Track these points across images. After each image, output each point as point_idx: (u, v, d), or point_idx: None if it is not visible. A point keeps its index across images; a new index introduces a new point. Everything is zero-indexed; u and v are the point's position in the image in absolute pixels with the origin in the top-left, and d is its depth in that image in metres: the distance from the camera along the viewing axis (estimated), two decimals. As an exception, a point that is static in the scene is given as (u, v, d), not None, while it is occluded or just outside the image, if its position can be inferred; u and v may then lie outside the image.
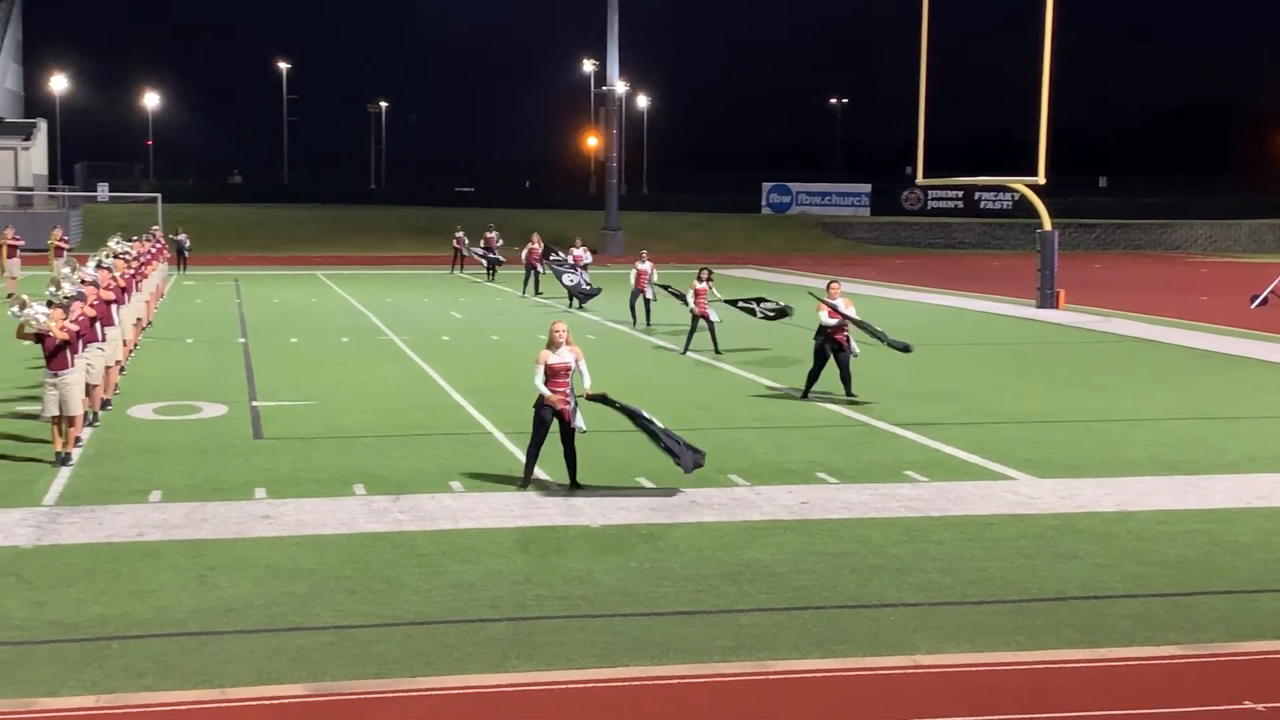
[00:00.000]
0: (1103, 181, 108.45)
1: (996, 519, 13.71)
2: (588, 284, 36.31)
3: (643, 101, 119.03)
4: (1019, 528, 13.38)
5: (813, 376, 21.14)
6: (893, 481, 15.35)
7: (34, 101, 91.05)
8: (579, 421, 14.53)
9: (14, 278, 37.40)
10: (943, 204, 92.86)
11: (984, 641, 10.00)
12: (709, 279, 26.71)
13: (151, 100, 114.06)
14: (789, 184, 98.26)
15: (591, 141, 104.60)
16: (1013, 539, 12.95)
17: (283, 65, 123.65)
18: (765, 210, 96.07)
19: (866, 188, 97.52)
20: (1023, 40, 37.59)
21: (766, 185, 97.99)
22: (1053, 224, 39.79)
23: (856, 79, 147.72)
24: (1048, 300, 38.51)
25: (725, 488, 14.96)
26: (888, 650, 9.78)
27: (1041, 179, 37.90)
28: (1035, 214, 40.98)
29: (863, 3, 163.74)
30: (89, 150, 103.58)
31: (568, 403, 14.46)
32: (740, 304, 27.15)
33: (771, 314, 26.38)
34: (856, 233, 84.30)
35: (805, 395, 21.09)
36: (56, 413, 15.71)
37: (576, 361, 14.55)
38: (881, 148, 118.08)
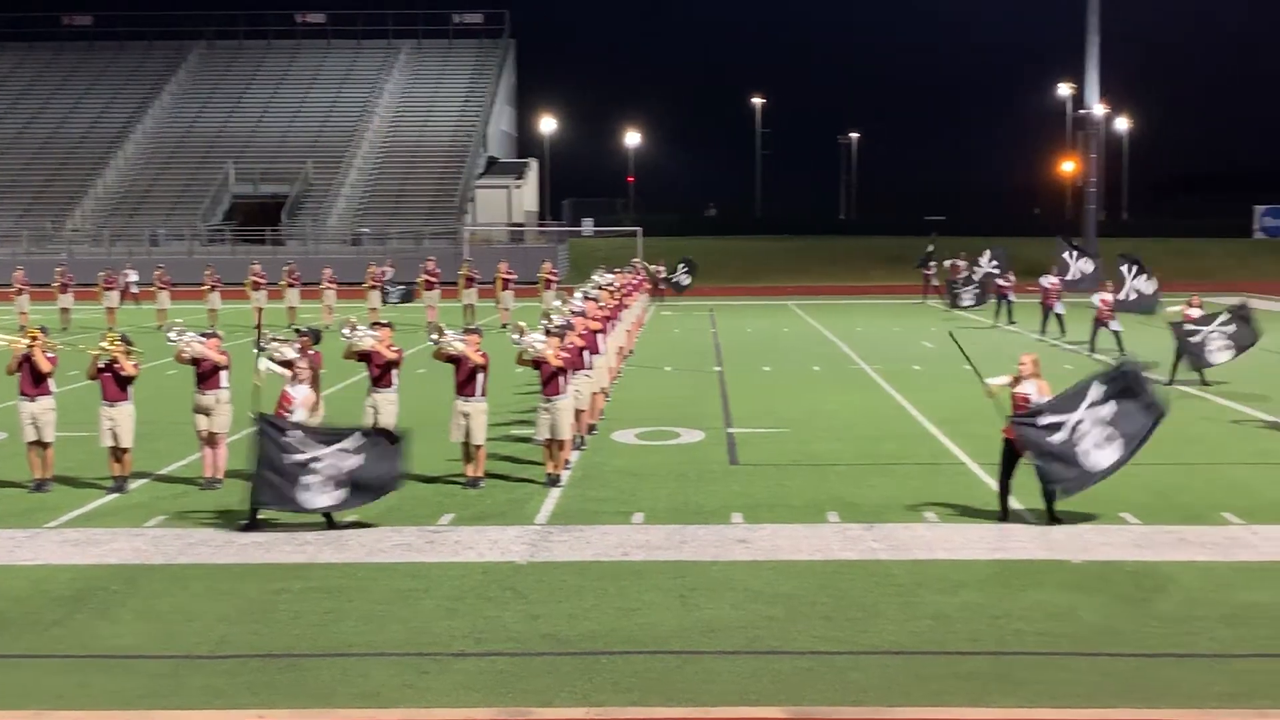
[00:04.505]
0: None
1: None
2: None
3: (1122, 124, 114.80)
4: None
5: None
6: None
7: (525, 142, 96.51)
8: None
9: (507, 309, 39.64)
10: None
11: None
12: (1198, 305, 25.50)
13: (632, 138, 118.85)
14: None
15: (1068, 166, 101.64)
16: None
17: (756, 100, 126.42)
18: (1258, 234, 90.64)
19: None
20: None
21: (1259, 208, 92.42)
22: None
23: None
24: None
25: (1218, 526, 14.18)
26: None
27: None
28: None
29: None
30: (574, 187, 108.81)
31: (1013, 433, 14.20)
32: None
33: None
34: (1360, 257, 78.30)
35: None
36: (549, 436, 16.55)
37: (1040, 395, 14.24)
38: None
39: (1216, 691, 9.30)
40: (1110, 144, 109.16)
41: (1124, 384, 14.25)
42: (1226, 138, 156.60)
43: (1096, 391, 14.19)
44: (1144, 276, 29.51)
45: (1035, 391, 14.27)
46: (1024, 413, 14.22)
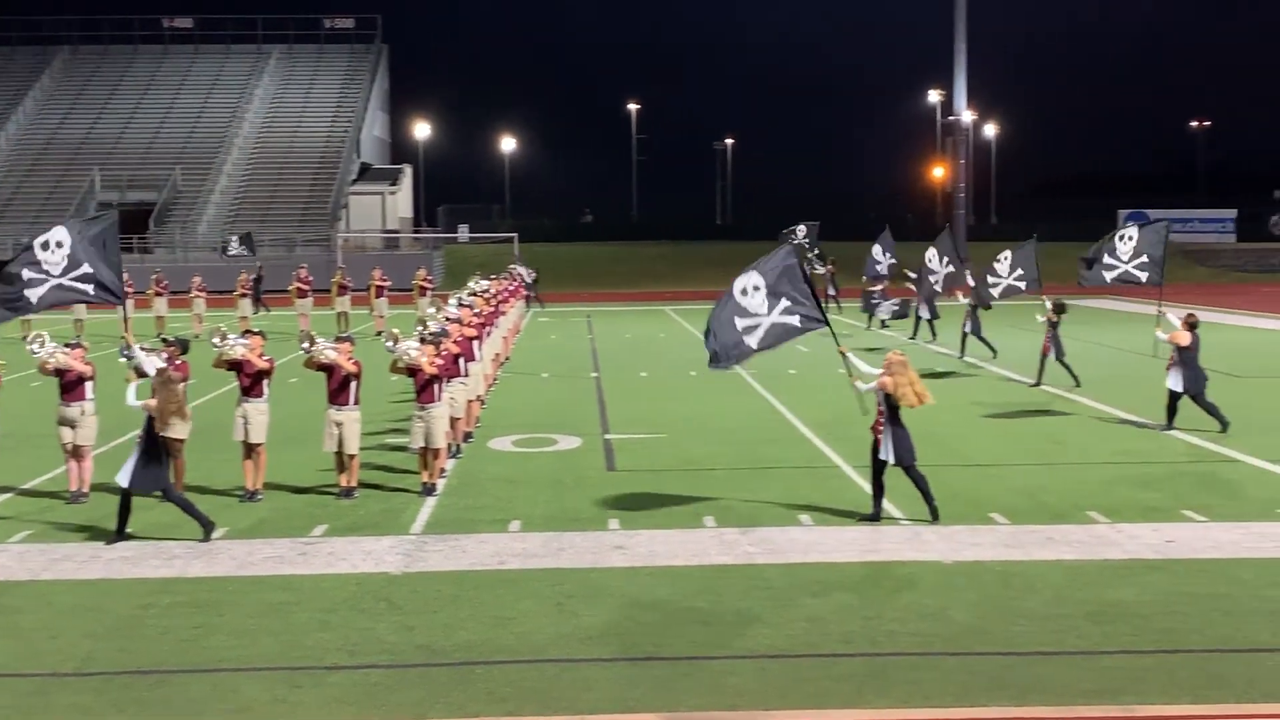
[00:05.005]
0: None
1: (1384, 562, 12.81)
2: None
3: (990, 130, 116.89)
4: None
5: (1172, 409, 20.33)
6: (1267, 520, 14.53)
7: (399, 148, 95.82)
8: (884, 452, 14.37)
9: (381, 316, 39.33)
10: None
11: (1374, 693, 9.35)
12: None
13: (508, 144, 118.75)
14: (1146, 211, 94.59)
15: (938, 172, 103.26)
16: (1404, 583, 12.08)
17: (632, 106, 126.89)
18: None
19: (1232, 213, 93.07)
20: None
21: (1123, 213, 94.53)
22: None
23: (1219, 100, 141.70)
24: None
25: (1083, 524, 14.46)
26: (1265, 698, 9.26)
27: None
28: None
29: (1224, 21, 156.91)
30: (450, 193, 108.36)
31: (879, 431, 14.44)
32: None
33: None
34: (1221, 260, 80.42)
35: (1168, 427, 20.27)
36: (423, 444, 16.42)
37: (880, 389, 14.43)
38: (1248, 171, 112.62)
39: (1083, 688, 9.47)
40: (979, 150, 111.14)
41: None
42: (1091, 143, 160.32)
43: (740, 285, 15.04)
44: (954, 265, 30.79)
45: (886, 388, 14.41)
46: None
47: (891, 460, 14.41)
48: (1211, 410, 20.15)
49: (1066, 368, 25.52)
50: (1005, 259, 26.51)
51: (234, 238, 50.02)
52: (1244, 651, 10.26)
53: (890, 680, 9.67)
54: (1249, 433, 19.96)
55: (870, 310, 39.05)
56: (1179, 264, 78.77)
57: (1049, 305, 25.63)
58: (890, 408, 14.39)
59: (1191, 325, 20.52)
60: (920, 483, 14.56)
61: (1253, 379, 21.54)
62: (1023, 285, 25.69)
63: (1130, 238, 22.60)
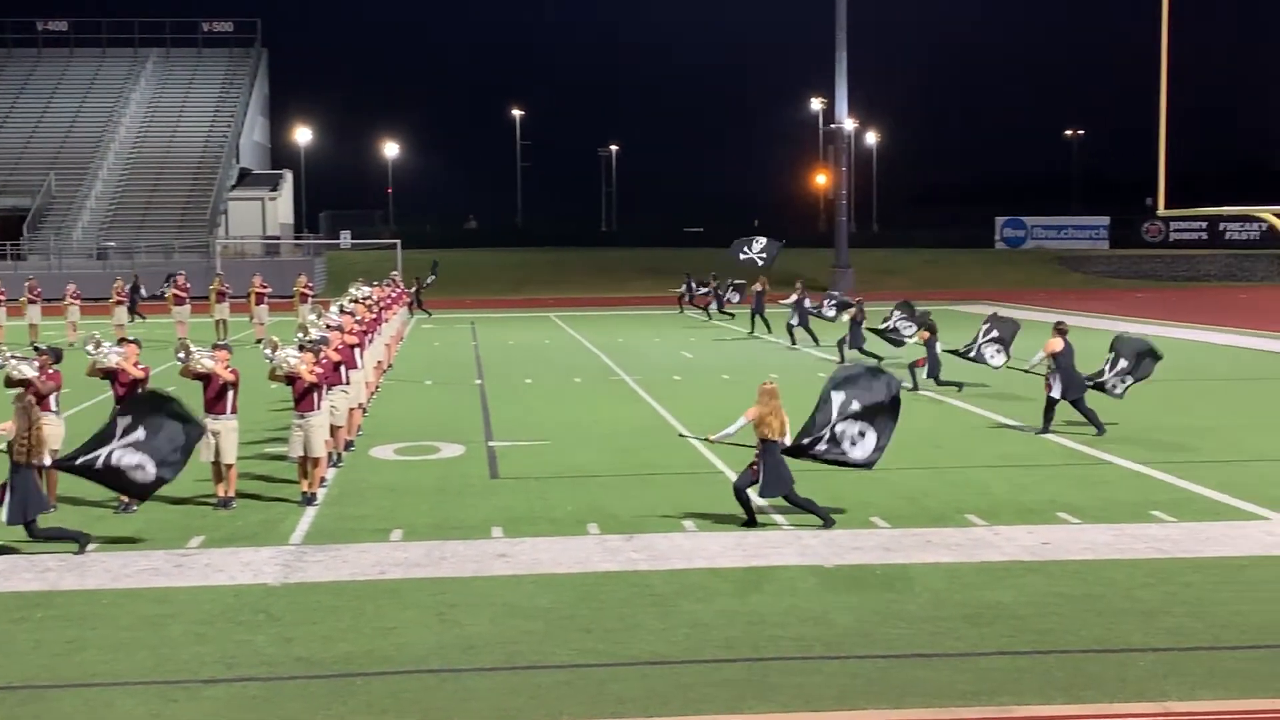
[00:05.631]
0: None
1: (1250, 560, 13.14)
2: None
3: (872, 138, 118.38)
4: (1275, 570, 12.80)
5: (1049, 413, 20.72)
6: (1138, 521, 14.84)
7: (279, 153, 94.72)
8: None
9: (261, 323, 38.84)
10: (1186, 235, 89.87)
11: (1239, 688, 9.58)
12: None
13: (391, 150, 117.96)
14: (1024, 218, 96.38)
15: (820, 179, 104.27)
16: (1269, 581, 12.39)
17: (516, 112, 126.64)
18: (999, 245, 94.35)
19: (1105, 220, 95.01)
20: (1270, 64, 36.17)
21: (1000, 220, 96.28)
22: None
23: (1092, 109, 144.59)
24: (1301, 333, 36.87)
25: (962, 528, 14.65)
26: (1136, 696, 9.44)
27: (1291, 207, 36.31)
28: (1285, 243, 39.26)
29: (1098, 33, 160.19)
30: (332, 199, 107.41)
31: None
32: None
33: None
34: (1095, 266, 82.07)
35: (1044, 431, 20.64)
36: (303, 453, 16.21)
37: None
38: (1120, 179, 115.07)
39: (961, 689, 9.59)
40: (861, 158, 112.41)
41: (857, 379, 14.93)
42: (970, 152, 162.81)
43: (838, 397, 14.73)
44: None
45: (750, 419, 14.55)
46: (791, 446, 14.68)
47: (760, 498, 14.59)
48: (1089, 415, 20.56)
49: (939, 380, 25.71)
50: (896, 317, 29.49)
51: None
52: (1116, 651, 10.45)
53: (771, 684, 9.71)
54: (1122, 436, 20.38)
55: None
56: (1055, 270, 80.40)
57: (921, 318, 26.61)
58: (761, 439, 14.49)
59: (1062, 332, 20.92)
60: (805, 505, 14.67)
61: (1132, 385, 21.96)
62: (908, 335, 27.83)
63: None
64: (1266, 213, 40.53)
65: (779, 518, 14.91)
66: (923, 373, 25.85)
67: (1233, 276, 78.42)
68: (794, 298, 36.00)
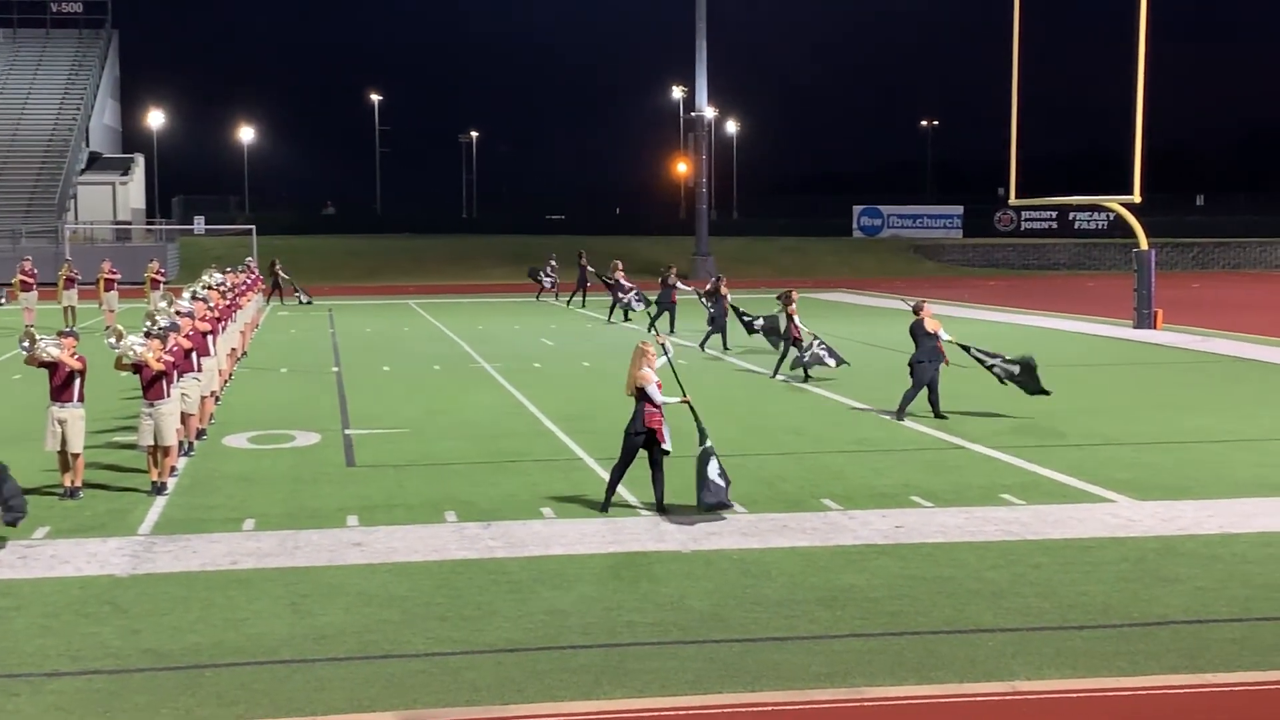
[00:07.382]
0: (1200, 199, 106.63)
1: (1096, 542, 13.44)
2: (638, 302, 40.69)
3: (732, 127, 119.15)
4: (1119, 551, 13.11)
5: (909, 398, 21.02)
6: (988, 505, 15.11)
7: (131, 137, 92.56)
8: (669, 443, 14.52)
9: (111, 310, 37.97)
10: (1036, 224, 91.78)
11: (1084, 667, 9.78)
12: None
13: (246, 134, 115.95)
14: (880, 207, 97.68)
15: (681, 168, 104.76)
16: (1113, 562, 12.68)
17: (375, 97, 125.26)
18: (857, 234, 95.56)
19: (959, 209, 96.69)
20: (1116, 56, 36.99)
21: (857, 208, 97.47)
22: (1149, 243, 39.09)
23: (946, 100, 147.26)
24: (1145, 320, 37.86)
25: (818, 512, 14.80)
26: (985, 676, 9.60)
27: (1137, 197, 37.15)
28: (1131, 233, 40.24)
29: (951, 24, 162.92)
30: (185, 184, 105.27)
31: (663, 422, 14.50)
32: (974, 352, 22.65)
33: (1005, 375, 21.75)
34: (949, 255, 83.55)
35: (899, 416, 20.93)
36: (152, 442, 15.87)
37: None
38: (973, 169, 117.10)
39: (814, 672, 9.68)
40: (721, 146, 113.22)
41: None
42: (828, 142, 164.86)
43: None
44: None
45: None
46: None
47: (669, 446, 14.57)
48: (933, 399, 20.89)
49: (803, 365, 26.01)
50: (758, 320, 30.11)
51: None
52: (966, 632, 10.63)
53: (627, 670, 9.71)
54: (973, 420, 20.75)
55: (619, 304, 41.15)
56: (910, 258, 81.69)
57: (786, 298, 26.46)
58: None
59: (917, 310, 21.17)
60: (612, 483, 14.80)
61: (978, 369, 22.37)
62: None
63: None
64: (1113, 202, 41.54)
65: (636, 504, 14.93)
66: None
67: (1081, 265, 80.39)
68: (669, 281, 36.40)
